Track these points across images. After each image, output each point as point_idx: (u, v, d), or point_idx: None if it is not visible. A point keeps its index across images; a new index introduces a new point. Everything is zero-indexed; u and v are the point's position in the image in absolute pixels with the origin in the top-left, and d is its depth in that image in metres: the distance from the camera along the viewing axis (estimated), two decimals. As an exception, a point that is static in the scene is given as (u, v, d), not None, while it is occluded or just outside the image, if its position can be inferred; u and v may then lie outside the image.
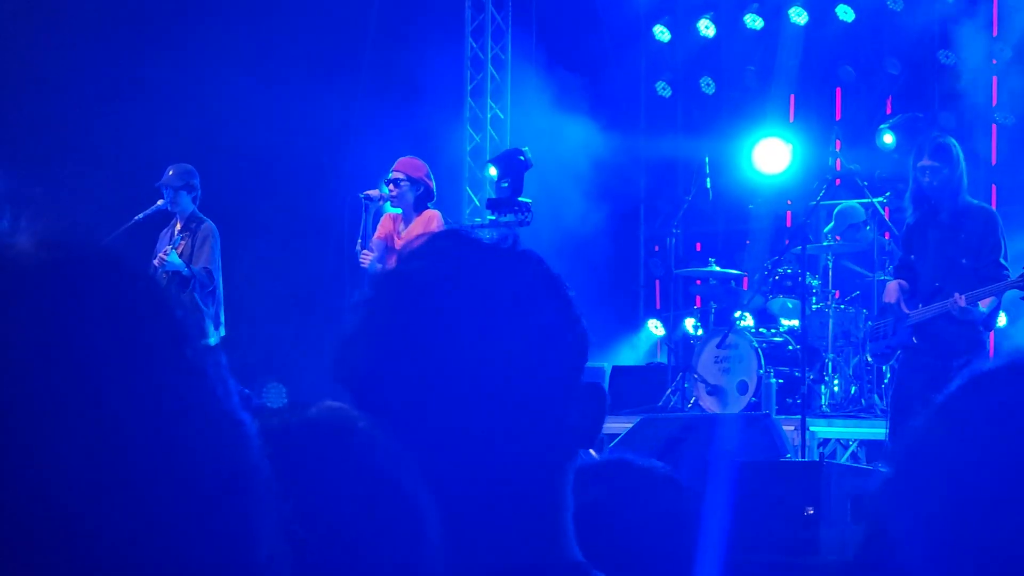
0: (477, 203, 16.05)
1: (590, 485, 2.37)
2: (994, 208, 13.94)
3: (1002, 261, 9.31)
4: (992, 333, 13.63)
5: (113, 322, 1.05)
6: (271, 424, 1.62)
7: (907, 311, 9.56)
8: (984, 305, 9.34)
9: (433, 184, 11.03)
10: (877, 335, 10.00)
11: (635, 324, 16.95)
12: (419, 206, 10.89)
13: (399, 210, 11.01)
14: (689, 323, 15.06)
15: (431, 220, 10.84)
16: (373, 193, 11.01)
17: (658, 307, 17.12)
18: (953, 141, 9.61)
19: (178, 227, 11.89)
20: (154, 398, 1.04)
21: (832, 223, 13.37)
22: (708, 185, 14.40)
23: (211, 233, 11.84)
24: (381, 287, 1.87)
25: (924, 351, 9.46)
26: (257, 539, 1.08)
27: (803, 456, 9.80)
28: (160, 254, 11.69)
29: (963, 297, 9.06)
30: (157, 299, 1.09)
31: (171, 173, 11.82)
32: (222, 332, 11.93)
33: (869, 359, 10.59)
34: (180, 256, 11.71)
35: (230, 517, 1.06)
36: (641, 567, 2.28)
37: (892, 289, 9.79)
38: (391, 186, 10.90)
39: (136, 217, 12.19)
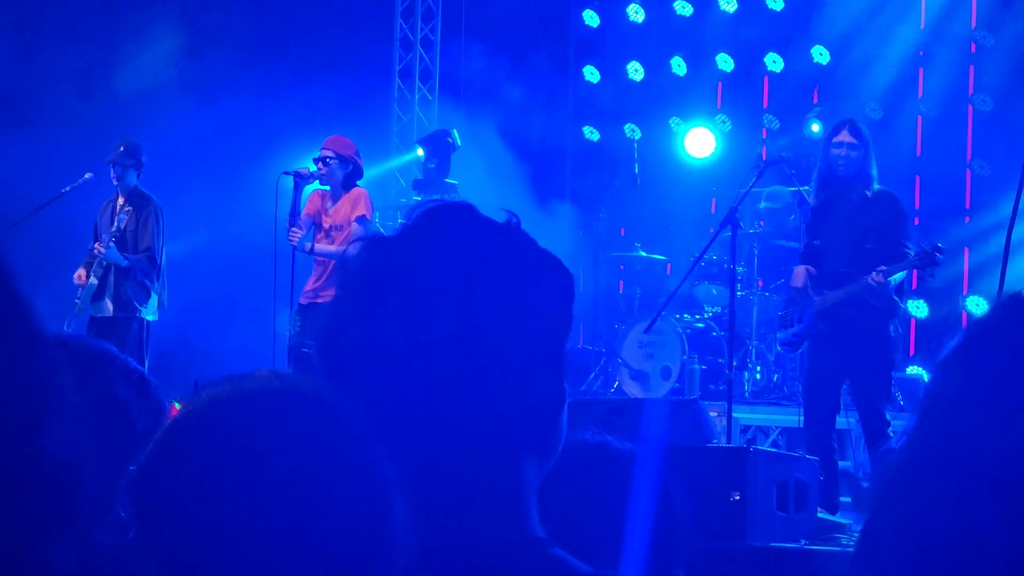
0: (403, 184, 15.97)
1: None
2: (916, 198, 14.14)
3: (904, 242, 9.31)
4: (912, 323, 13.77)
5: None
6: (220, 393, 1.57)
7: (815, 297, 9.50)
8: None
9: (362, 162, 11.04)
10: (786, 323, 9.91)
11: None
12: (347, 184, 10.90)
13: (327, 187, 10.98)
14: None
15: (359, 198, 10.85)
16: (302, 171, 10.95)
17: (581, 291, 17.14)
18: (864, 125, 9.68)
19: (120, 201, 11.70)
20: None
21: (764, 204, 13.42)
22: (636, 171, 14.41)
23: (156, 212, 11.64)
24: (365, 265, 1.87)
25: (831, 337, 9.38)
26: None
27: (728, 442, 9.80)
28: (97, 246, 11.53)
29: (880, 273, 9.03)
30: None
31: (122, 150, 11.61)
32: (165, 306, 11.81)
33: (779, 348, 10.57)
34: (124, 231, 11.53)
35: None
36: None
37: (800, 274, 9.64)
38: (320, 164, 10.88)
39: (63, 190, 12.13)
